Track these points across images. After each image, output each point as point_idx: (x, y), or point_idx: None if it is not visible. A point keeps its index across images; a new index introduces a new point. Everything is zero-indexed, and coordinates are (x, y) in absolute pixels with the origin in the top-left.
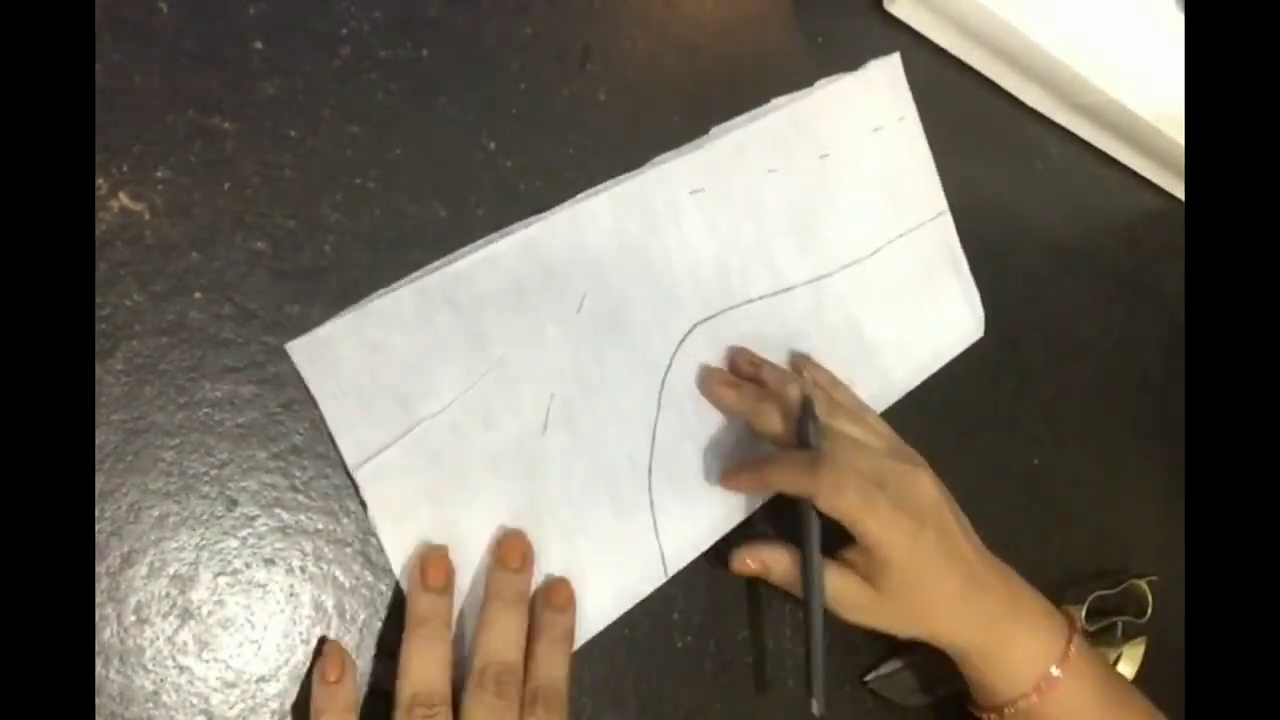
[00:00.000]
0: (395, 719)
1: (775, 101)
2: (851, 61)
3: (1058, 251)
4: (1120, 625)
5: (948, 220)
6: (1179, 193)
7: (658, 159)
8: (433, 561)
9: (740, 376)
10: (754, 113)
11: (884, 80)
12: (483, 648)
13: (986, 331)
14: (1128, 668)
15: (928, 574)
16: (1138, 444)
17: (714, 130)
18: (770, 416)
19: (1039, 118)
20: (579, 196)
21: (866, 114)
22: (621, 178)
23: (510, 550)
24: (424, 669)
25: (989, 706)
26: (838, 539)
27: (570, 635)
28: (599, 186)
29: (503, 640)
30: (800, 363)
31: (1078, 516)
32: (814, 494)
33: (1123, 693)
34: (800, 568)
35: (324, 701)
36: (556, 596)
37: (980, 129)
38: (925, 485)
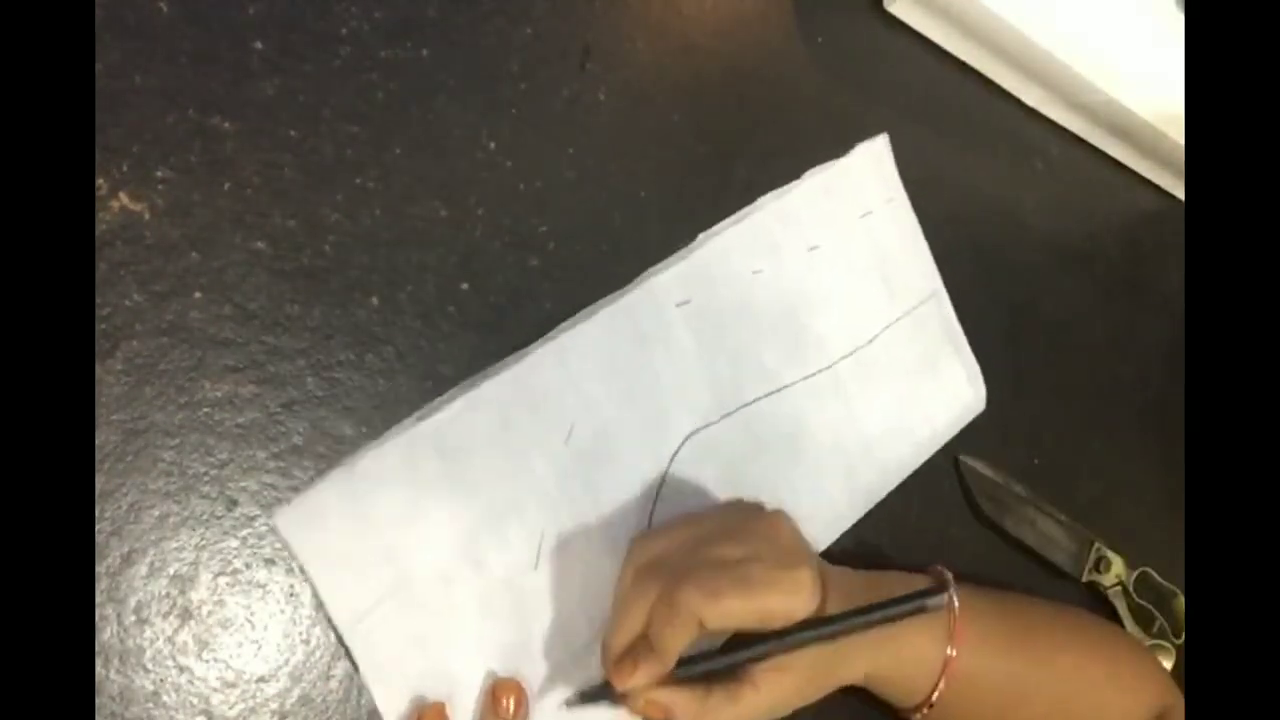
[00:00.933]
0: None
1: (760, 200)
2: (851, 61)
3: (1057, 251)
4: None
5: (943, 297)
6: (1179, 193)
7: (642, 275)
8: None
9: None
10: (739, 214)
11: (870, 163)
12: None
13: (986, 331)
14: None
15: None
16: (1138, 444)
17: (700, 236)
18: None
19: (1039, 118)
20: (561, 326)
21: (854, 200)
22: (606, 299)
23: (502, 695)
24: None
25: (913, 708)
26: None
27: None
28: (584, 311)
29: None
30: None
31: (1078, 517)
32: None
33: (1022, 627)
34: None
35: None
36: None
37: (980, 129)
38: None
